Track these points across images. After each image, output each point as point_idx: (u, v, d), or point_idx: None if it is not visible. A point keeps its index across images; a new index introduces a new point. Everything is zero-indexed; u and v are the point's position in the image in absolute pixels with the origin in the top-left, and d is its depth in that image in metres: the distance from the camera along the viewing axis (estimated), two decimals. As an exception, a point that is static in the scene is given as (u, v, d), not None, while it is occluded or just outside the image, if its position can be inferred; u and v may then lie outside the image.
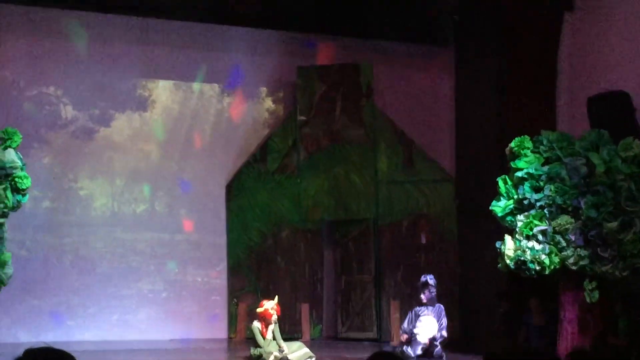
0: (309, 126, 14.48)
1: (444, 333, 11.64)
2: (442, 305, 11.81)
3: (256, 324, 11.39)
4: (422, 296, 11.71)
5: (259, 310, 11.38)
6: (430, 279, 11.81)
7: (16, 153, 10.98)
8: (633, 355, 10.01)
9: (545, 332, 11.39)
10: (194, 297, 14.35)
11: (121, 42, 14.15)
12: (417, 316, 11.69)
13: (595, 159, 10.49)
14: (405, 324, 11.86)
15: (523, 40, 13.09)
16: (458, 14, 14.51)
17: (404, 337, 11.74)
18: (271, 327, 11.33)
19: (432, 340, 11.49)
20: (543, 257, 10.36)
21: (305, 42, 15.00)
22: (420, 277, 11.94)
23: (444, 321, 11.67)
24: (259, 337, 11.29)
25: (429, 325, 11.55)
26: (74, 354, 4.13)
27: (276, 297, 11.66)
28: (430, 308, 11.68)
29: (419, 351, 11.45)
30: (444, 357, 11.40)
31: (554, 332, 10.90)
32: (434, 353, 11.37)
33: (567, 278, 10.64)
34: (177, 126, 14.58)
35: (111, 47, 14.09)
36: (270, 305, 11.36)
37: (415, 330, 11.58)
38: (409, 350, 11.35)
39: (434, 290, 11.73)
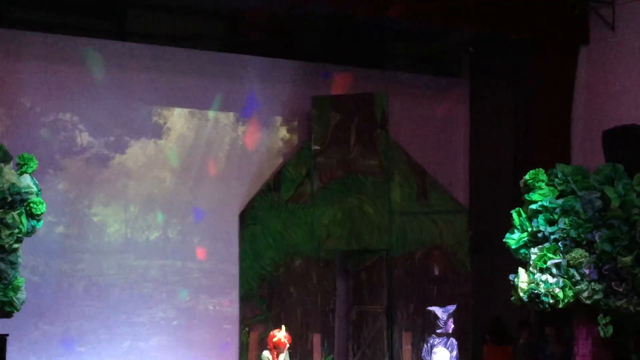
0: (323, 156, 14.50)
1: None
2: (454, 339, 11.74)
3: (266, 354, 11.36)
4: (450, 326, 11.59)
5: (274, 340, 11.33)
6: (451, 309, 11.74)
7: (32, 178, 11.03)
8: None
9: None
10: (206, 325, 14.32)
11: (137, 70, 14.22)
12: (432, 348, 11.61)
13: (610, 193, 10.48)
14: (424, 354, 11.77)
15: (539, 72, 13.12)
16: (473, 46, 14.55)
17: None
18: (282, 356, 11.30)
19: None
20: (557, 290, 10.32)
21: (320, 71, 15.06)
22: (444, 308, 11.81)
23: (455, 353, 11.58)
24: (269, 367, 11.25)
25: (442, 357, 11.48)
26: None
27: (283, 326, 11.61)
28: (444, 340, 11.61)
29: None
30: None
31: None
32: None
33: (581, 312, 10.58)
34: (191, 154, 14.61)
35: (127, 75, 14.16)
36: (282, 335, 11.34)
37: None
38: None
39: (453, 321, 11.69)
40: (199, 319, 14.28)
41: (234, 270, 14.39)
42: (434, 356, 11.54)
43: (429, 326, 12.12)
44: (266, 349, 11.46)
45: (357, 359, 14.34)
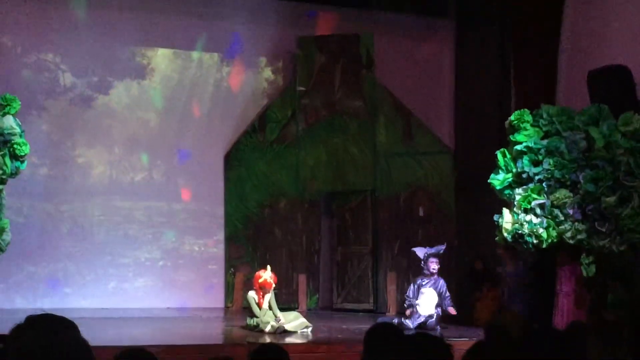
0: (308, 97, 14.44)
1: (452, 310, 11.58)
2: (442, 279, 11.79)
3: (252, 294, 11.40)
4: (432, 265, 11.66)
5: (260, 280, 11.37)
6: (439, 249, 11.81)
7: (15, 119, 10.95)
8: (624, 329, 10.04)
9: (519, 278, 11.55)
10: (191, 266, 14.38)
11: (120, 9, 14.07)
12: (419, 288, 11.69)
13: (594, 134, 10.48)
14: (409, 293, 11.85)
15: (525, 13, 13.01)
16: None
17: (408, 311, 11.73)
18: (267, 296, 11.35)
19: (430, 316, 11.48)
20: (541, 230, 10.37)
21: (305, 11, 14.93)
22: (434, 248, 11.87)
23: (447, 294, 11.64)
24: (254, 307, 11.31)
25: (430, 298, 11.57)
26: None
27: (268, 266, 11.66)
28: (431, 280, 11.69)
29: (417, 323, 11.43)
30: (438, 330, 11.41)
31: (527, 277, 11.07)
32: (427, 324, 11.36)
33: (564, 252, 10.65)
34: (175, 95, 14.53)
35: (110, 14, 14.01)
36: (268, 275, 11.39)
37: (417, 302, 11.61)
38: (407, 322, 11.36)
39: (438, 260, 11.76)
40: (184, 260, 14.33)
41: (219, 211, 14.42)
42: (421, 296, 11.63)
43: (414, 267, 12.20)
44: (252, 289, 11.51)
45: (342, 299, 14.44)
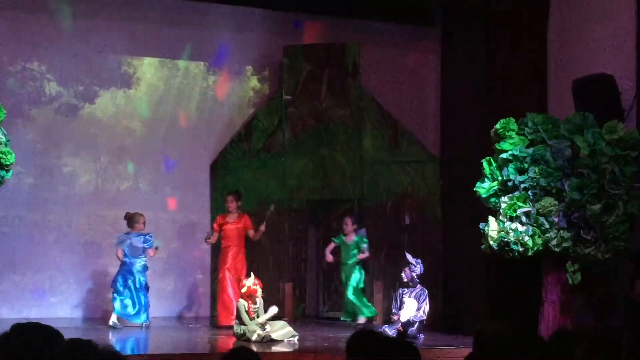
0: (294, 106, 14.46)
1: (421, 315, 11.64)
2: (424, 289, 11.82)
3: (242, 302, 11.43)
4: (403, 274, 11.78)
5: (243, 290, 11.42)
6: (410, 258, 11.85)
7: (0, 128, 10.92)
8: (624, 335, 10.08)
9: None
10: (178, 275, 14.37)
11: (106, 18, 14.07)
12: (401, 297, 11.75)
13: (579, 142, 10.52)
14: (394, 308, 11.95)
15: (511, 21, 13.06)
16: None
17: (395, 317, 11.79)
18: (258, 301, 11.40)
19: (407, 322, 11.53)
20: (526, 238, 10.39)
21: (291, 21, 14.95)
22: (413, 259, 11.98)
23: (424, 305, 11.69)
24: (244, 316, 11.32)
25: (410, 307, 11.61)
26: (56, 331, 4.12)
27: (252, 273, 11.70)
28: (411, 290, 11.73)
29: (395, 331, 11.47)
30: (420, 338, 11.44)
31: None
32: (408, 333, 11.41)
33: (550, 260, 10.69)
34: (161, 104, 14.52)
35: (96, 23, 14.00)
36: (250, 282, 11.43)
37: (399, 312, 11.66)
38: (387, 330, 11.40)
39: (415, 269, 11.77)
40: (171, 269, 14.30)
41: (206, 220, 14.40)
42: (403, 306, 11.69)
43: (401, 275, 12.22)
44: (241, 297, 11.54)
45: (328, 308, 14.45)
